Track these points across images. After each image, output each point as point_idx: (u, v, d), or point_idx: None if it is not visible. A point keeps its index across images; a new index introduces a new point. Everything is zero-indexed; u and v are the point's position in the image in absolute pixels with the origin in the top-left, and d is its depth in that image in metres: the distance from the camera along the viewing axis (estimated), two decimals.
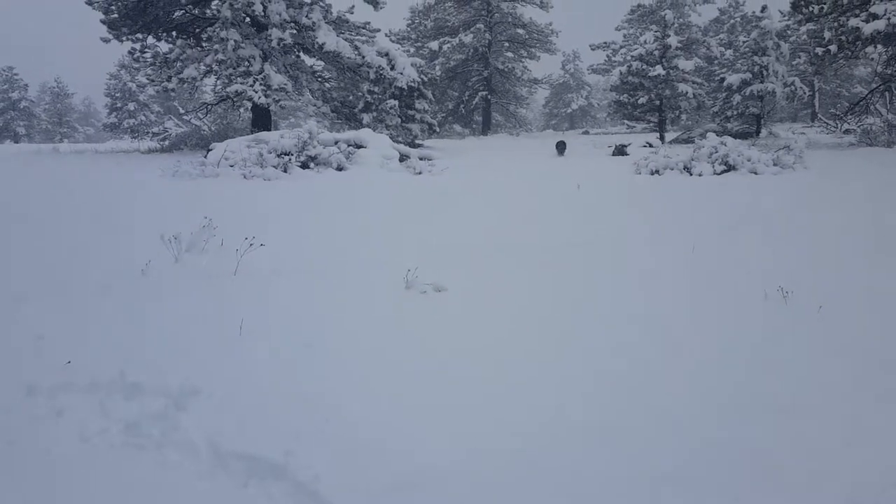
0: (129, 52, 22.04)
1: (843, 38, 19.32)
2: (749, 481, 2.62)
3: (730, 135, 17.27)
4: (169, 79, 20.79)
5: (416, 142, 23.46)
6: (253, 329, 4.17)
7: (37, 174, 12.98)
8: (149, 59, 21.73)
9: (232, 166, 13.07)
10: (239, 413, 3.13)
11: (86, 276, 5.32)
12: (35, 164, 15.84)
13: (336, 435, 2.96)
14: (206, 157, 14.12)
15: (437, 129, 26.59)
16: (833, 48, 19.82)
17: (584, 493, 2.55)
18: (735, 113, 26.40)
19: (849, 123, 22.58)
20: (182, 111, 33.09)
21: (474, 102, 40.23)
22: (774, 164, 13.78)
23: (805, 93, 27.29)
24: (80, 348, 3.78)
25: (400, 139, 20.91)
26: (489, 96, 39.81)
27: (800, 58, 33.60)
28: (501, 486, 2.62)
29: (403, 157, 15.27)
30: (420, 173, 14.27)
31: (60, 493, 2.49)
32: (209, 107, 24.04)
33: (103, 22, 20.90)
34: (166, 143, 23.90)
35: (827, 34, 20.13)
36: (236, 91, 19.39)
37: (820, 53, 20.49)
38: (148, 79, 22.40)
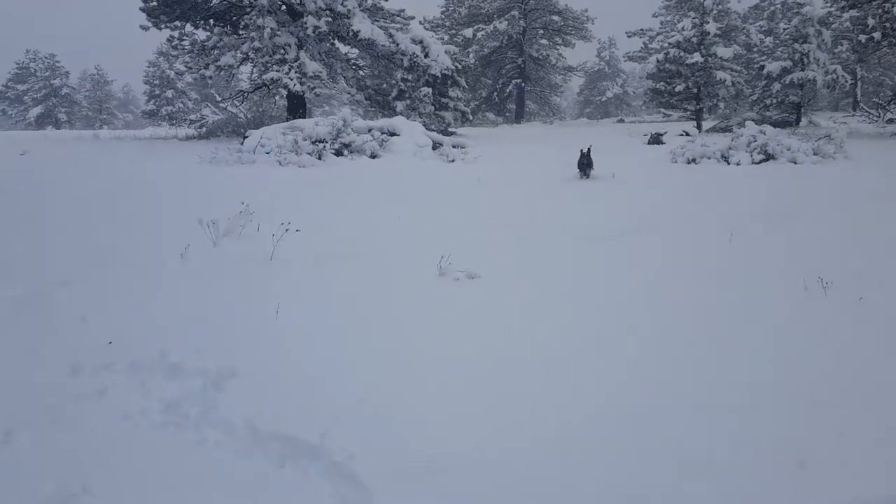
0: (168, 40, 22.39)
1: (887, 24, 18.63)
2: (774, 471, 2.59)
3: (769, 124, 16.84)
4: (206, 66, 21.08)
5: (449, 130, 23.42)
6: (289, 313, 4.24)
7: (79, 160, 13.31)
8: (186, 47, 22.05)
9: (268, 153, 13.22)
10: (275, 395, 3.20)
11: (127, 259, 5.46)
12: (77, 150, 16.25)
13: (371, 417, 3.00)
14: (242, 144, 14.31)
15: (471, 118, 26.50)
16: (877, 35, 19.13)
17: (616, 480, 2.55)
18: (774, 101, 25.72)
19: (892, 113, 21.84)
20: (219, 98, 33.53)
21: (508, 90, 39.95)
22: (814, 154, 13.41)
23: (847, 81, 26.37)
24: (121, 330, 3.89)
25: (433, 127, 20.90)
26: (523, 84, 39.47)
27: (842, 45, 32.55)
28: (534, 468, 2.63)
29: (436, 145, 15.26)
30: (453, 161, 14.25)
31: (103, 469, 2.58)
32: (245, 94, 24.32)
33: (142, 10, 21.25)
34: (203, 130, 24.27)
35: (871, 21, 19.43)
36: (272, 78, 19.58)
37: (863, 41, 19.82)
38: (186, 66, 22.74)
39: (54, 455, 2.63)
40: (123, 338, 3.75)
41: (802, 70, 24.80)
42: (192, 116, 40.62)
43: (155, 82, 47.48)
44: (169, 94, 46.72)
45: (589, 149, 11.21)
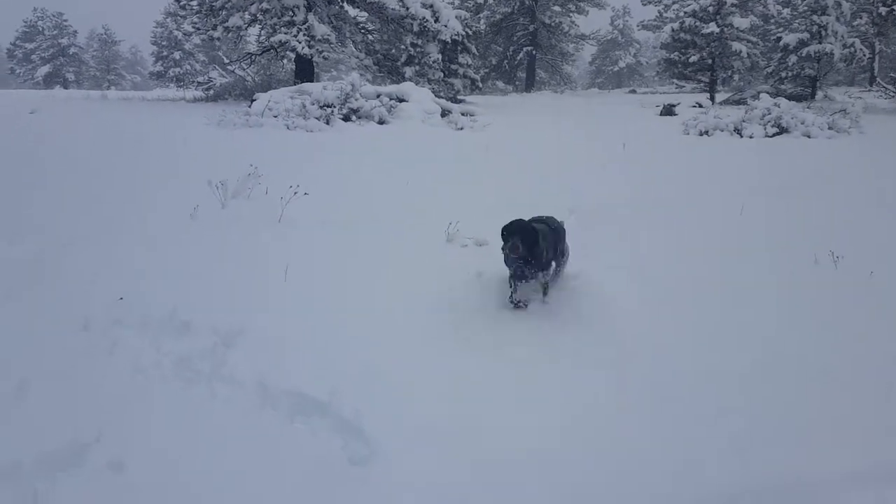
0: (176, 0, 22.11)
1: None
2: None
3: (784, 97, 16.60)
4: (214, 27, 20.83)
5: (458, 97, 23.18)
6: (297, 274, 4.26)
7: (88, 121, 13.27)
8: (195, 7, 21.78)
9: (275, 117, 13.14)
10: (284, 353, 3.23)
11: (137, 219, 5.47)
12: (85, 110, 16.19)
13: (377, 377, 3.04)
14: (250, 107, 14.22)
15: (480, 85, 26.18)
16: None
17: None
18: (790, 74, 25.33)
19: None
20: (226, 61, 33.20)
21: (518, 58, 39.41)
22: (829, 128, 13.25)
23: (865, 55, 25.89)
24: (131, 288, 3.91)
25: (442, 94, 20.68)
26: (534, 52, 38.91)
27: (861, 18, 31.85)
28: (535, 432, 2.67)
29: (445, 112, 15.13)
30: (461, 129, 14.14)
31: (116, 420, 2.62)
32: (253, 57, 24.05)
33: None
34: (211, 92, 24.09)
35: None
36: (280, 41, 19.36)
37: (883, 14, 19.40)
38: (193, 27, 22.53)
39: (68, 406, 2.68)
40: (134, 295, 3.78)
41: (820, 43, 24.35)
42: (200, 79, 40.25)
43: (162, 43, 47.02)
44: (176, 55, 46.31)
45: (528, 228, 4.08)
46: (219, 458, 2.46)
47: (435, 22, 22.09)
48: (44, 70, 52.97)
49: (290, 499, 2.29)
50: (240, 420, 2.67)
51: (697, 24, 25.81)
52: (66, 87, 45.66)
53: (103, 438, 2.47)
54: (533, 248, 3.76)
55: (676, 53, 27.07)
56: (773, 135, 13.19)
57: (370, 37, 23.70)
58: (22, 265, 4.18)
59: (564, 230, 4.38)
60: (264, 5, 19.12)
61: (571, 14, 39.98)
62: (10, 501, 2.15)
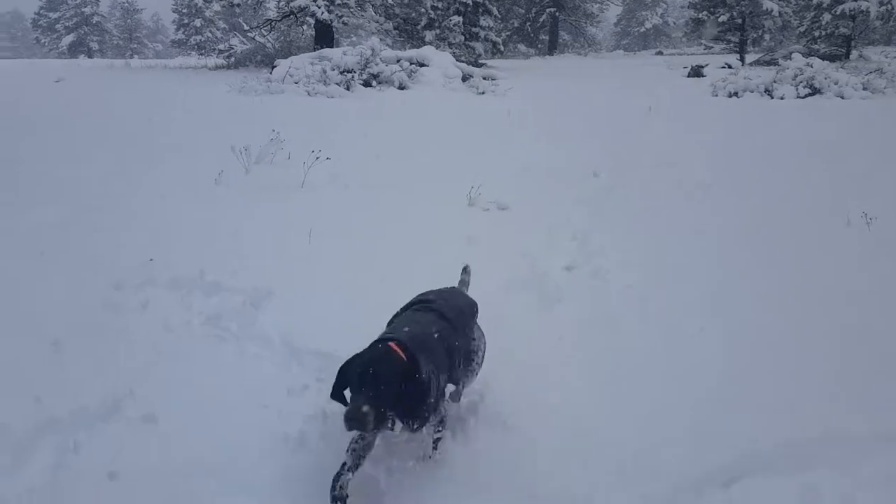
0: None
1: None
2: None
3: (816, 57, 16.07)
4: None
5: (480, 61, 22.83)
6: (320, 237, 4.29)
7: (112, 89, 13.35)
8: None
9: (296, 83, 13.10)
10: (310, 313, 3.27)
11: (164, 184, 5.52)
12: (109, 78, 16.28)
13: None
14: (270, 73, 14.19)
15: (502, 49, 25.74)
16: None
17: None
18: (823, 34, 24.46)
19: None
20: (246, 28, 33.01)
21: (541, 20, 38.56)
22: (864, 89, 12.85)
23: None
24: (160, 250, 3.96)
25: (463, 58, 20.39)
26: (557, 13, 38.02)
27: None
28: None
29: (466, 77, 14.94)
30: (483, 93, 13.97)
31: (148, 375, 2.70)
32: (273, 23, 23.87)
33: None
34: (232, 59, 24.03)
35: None
36: (299, 6, 19.19)
37: None
38: None
39: (101, 362, 2.75)
40: (163, 257, 3.84)
41: (855, 0, 23.44)
42: (221, 46, 40.17)
43: (183, 11, 46.83)
44: (197, 23, 46.14)
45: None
46: (248, 413, 2.53)
47: None
48: (68, 39, 53.21)
49: (321, 453, 2.34)
50: (270, 375, 2.74)
51: None
52: (90, 57, 45.86)
53: (137, 393, 2.54)
54: (398, 403, 2.07)
55: (705, 13, 26.30)
56: (806, 95, 12.83)
57: (390, 0, 23.37)
58: (53, 228, 4.27)
59: (475, 309, 2.74)
60: None
61: None
62: (53, 451, 2.23)
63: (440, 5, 21.85)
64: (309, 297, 3.48)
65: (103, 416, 2.42)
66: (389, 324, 2.51)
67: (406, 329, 2.29)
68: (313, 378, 2.75)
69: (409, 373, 2.06)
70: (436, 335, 2.30)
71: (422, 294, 2.64)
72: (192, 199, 5.10)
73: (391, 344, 2.13)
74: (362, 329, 3.12)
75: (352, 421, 1.94)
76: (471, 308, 2.69)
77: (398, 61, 14.44)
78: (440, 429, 2.33)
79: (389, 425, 2.09)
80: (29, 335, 2.88)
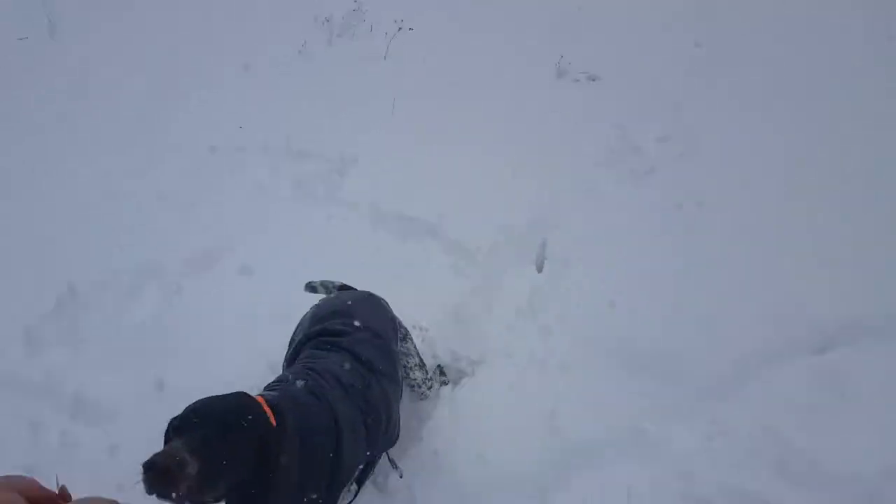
0: None
1: None
2: None
3: None
4: None
5: None
6: (403, 108, 4.23)
7: None
8: None
9: None
10: (394, 181, 3.30)
11: (249, 55, 5.52)
12: None
13: (477, 208, 3.06)
14: None
15: None
16: None
17: None
18: None
19: None
20: None
21: None
22: None
23: None
24: (250, 118, 4.03)
25: None
26: None
27: None
28: None
29: None
30: None
31: (244, 228, 2.84)
32: None
33: None
34: None
35: None
36: None
37: None
38: None
39: (201, 219, 2.90)
40: (252, 125, 3.91)
41: None
42: None
43: None
44: None
45: None
46: (335, 271, 2.62)
47: None
48: None
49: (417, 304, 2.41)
50: (357, 235, 2.83)
51: None
52: None
53: (234, 248, 2.68)
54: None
55: None
56: None
57: None
58: (148, 97, 4.40)
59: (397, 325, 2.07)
60: None
61: None
62: (158, 292, 2.41)
63: None
64: (392, 165, 3.49)
65: (204, 267, 2.59)
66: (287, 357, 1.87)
67: (300, 383, 1.59)
68: (398, 239, 2.81)
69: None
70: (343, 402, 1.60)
71: (326, 305, 1.90)
72: (278, 71, 5.09)
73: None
74: (442, 195, 3.14)
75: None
76: (394, 326, 1.97)
77: None
78: None
79: None
80: (137, 192, 3.05)
